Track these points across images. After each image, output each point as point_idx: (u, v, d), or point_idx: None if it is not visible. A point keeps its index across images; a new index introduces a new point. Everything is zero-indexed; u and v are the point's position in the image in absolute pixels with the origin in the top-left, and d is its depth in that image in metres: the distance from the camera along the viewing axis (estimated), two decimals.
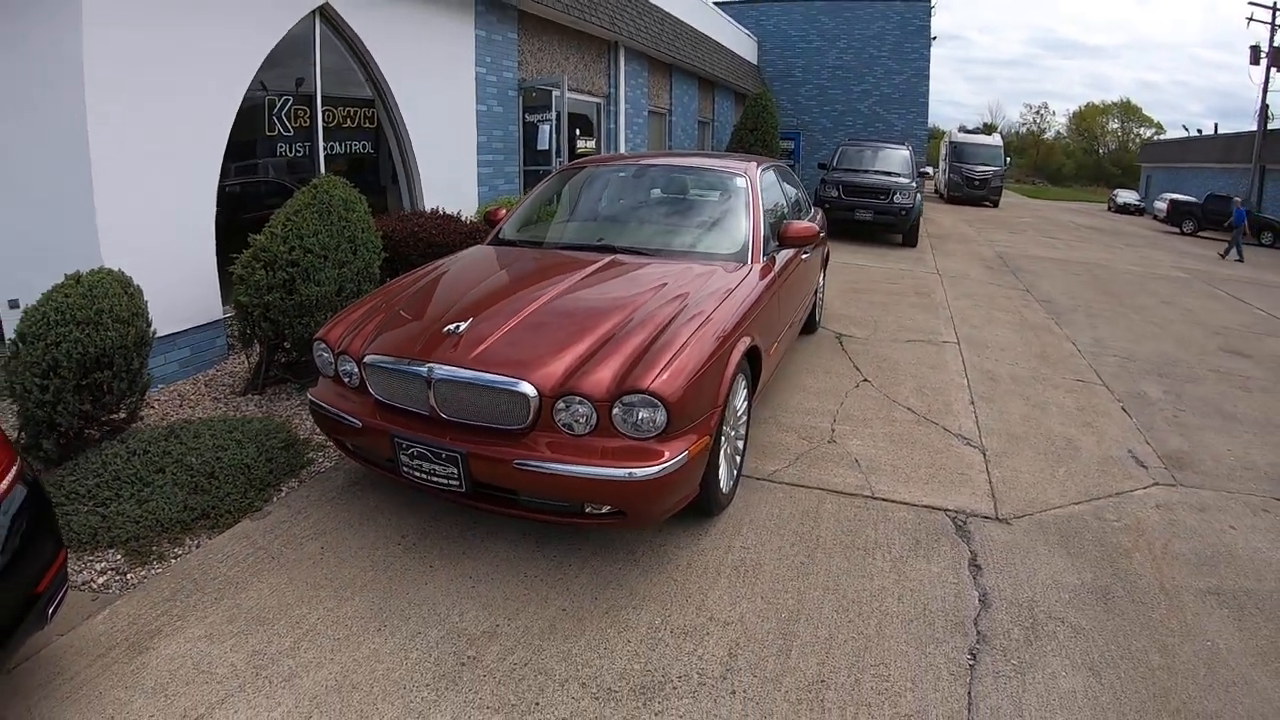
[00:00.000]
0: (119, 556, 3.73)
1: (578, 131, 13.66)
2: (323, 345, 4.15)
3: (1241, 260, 20.28)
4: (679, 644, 3.15)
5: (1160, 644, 3.25)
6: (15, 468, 2.96)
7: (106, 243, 5.63)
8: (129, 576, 3.64)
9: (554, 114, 11.80)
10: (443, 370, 3.54)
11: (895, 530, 4.10)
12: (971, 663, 3.08)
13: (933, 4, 28.43)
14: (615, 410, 3.33)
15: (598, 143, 15.13)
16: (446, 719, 2.76)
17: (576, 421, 3.36)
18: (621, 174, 6.21)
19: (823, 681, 2.95)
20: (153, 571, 3.70)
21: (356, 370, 3.92)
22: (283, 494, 4.43)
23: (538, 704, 2.82)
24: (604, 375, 3.38)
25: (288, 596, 3.49)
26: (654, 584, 3.55)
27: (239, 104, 6.76)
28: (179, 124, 6.18)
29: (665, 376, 3.34)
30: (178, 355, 6.21)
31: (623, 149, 15.36)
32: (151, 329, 5.06)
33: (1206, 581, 3.75)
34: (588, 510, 3.46)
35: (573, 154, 12.86)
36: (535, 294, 4.12)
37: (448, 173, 10.03)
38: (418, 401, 3.66)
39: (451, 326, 3.75)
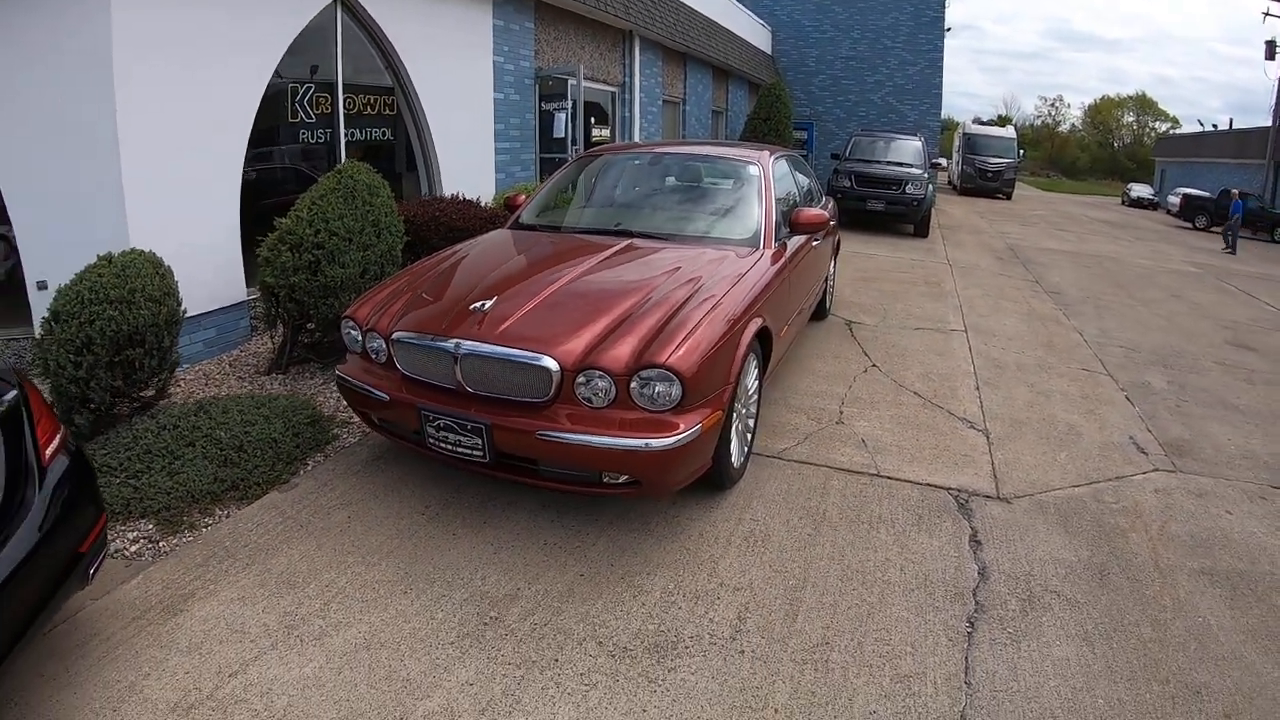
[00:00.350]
0: (151, 526, 3.87)
1: (593, 120, 13.75)
2: (351, 323, 4.30)
3: (1234, 252, 20.36)
4: (691, 607, 3.31)
5: (1153, 618, 3.38)
6: (60, 436, 3.12)
7: (135, 226, 5.76)
8: (161, 545, 3.79)
9: (570, 102, 11.91)
10: (469, 345, 3.68)
11: (899, 507, 4.24)
12: (969, 630, 3.22)
13: None
14: (633, 384, 3.48)
15: (612, 131, 15.21)
16: (470, 673, 2.91)
17: (596, 395, 3.51)
18: (638, 161, 6.34)
19: (827, 644, 3.10)
20: (184, 540, 3.85)
21: (384, 346, 4.07)
22: (309, 467, 4.58)
23: (557, 660, 2.98)
24: (622, 351, 3.53)
25: (317, 562, 3.64)
26: (668, 552, 3.71)
27: (263, 91, 6.90)
28: (205, 111, 6.31)
29: (681, 352, 3.49)
30: (203, 336, 6.37)
31: (637, 138, 15.44)
32: (182, 308, 5.20)
33: (1201, 562, 3.88)
34: (605, 480, 3.61)
35: (588, 142, 12.97)
36: (556, 275, 4.27)
37: (466, 159, 10.14)
38: (444, 376, 3.80)
39: (477, 304, 3.89)
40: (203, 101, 6.26)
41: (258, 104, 6.85)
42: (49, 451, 3.01)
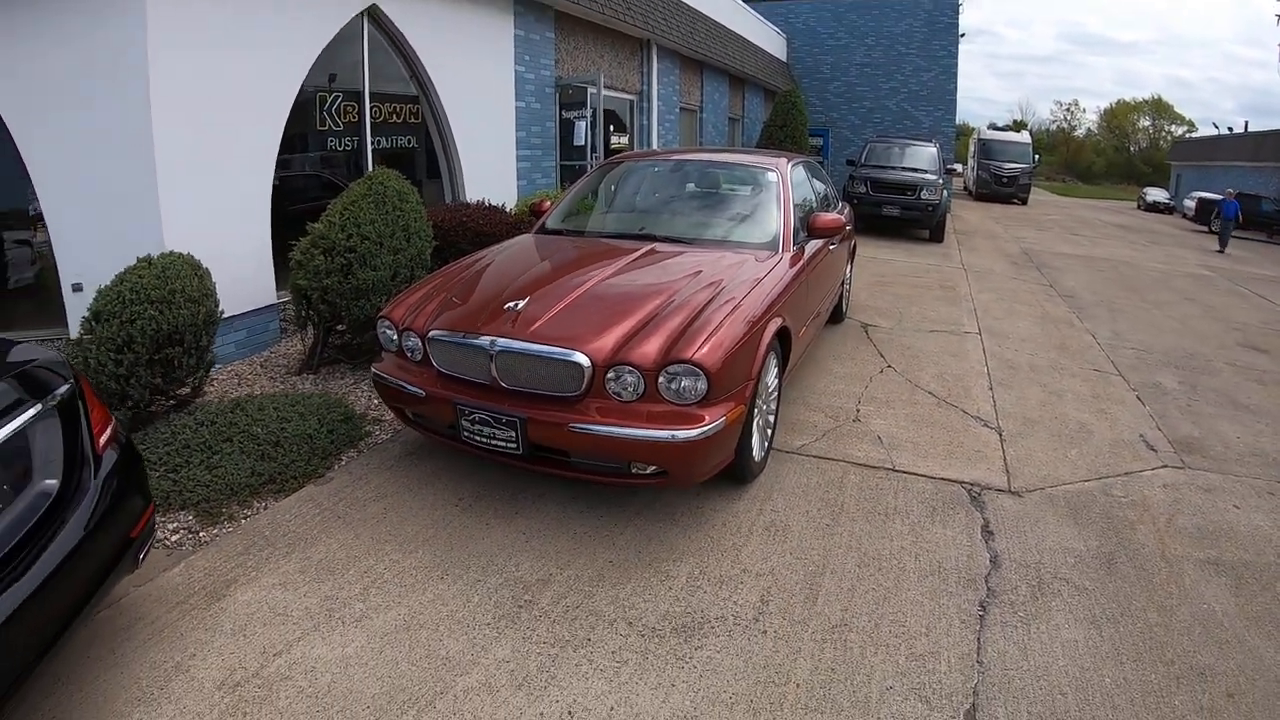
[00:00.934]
0: (190, 517, 4.02)
1: (611, 128, 13.93)
2: (387, 323, 4.46)
3: (1223, 252, 20.41)
4: (716, 591, 3.47)
5: (1159, 605, 3.51)
6: (111, 427, 3.27)
7: (170, 231, 5.93)
8: (201, 535, 3.94)
9: (590, 110, 12.09)
10: (503, 343, 3.85)
11: (914, 499, 4.39)
12: (981, 613, 3.37)
13: (961, 1, 28.48)
14: (661, 379, 3.64)
15: (631, 139, 15.38)
16: (507, 651, 3.06)
17: (625, 389, 3.68)
18: (659, 168, 6.51)
19: (845, 625, 3.26)
20: (224, 530, 4.00)
21: (420, 345, 4.24)
22: (343, 462, 4.74)
23: (589, 640, 3.14)
24: (650, 348, 3.70)
25: (355, 550, 3.79)
26: (692, 540, 3.87)
27: (293, 99, 7.09)
28: (238, 118, 6.51)
29: (706, 349, 3.66)
30: (234, 337, 6.54)
31: (655, 145, 15.59)
32: (219, 309, 5.37)
33: (1207, 553, 4.00)
34: (634, 470, 3.77)
35: (607, 150, 13.13)
36: (583, 277, 4.43)
37: (488, 167, 10.32)
38: (479, 372, 3.97)
39: (511, 304, 4.06)
40: (236, 109, 6.46)
41: (288, 112, 7.04)
42: (102, 440, 3.15)
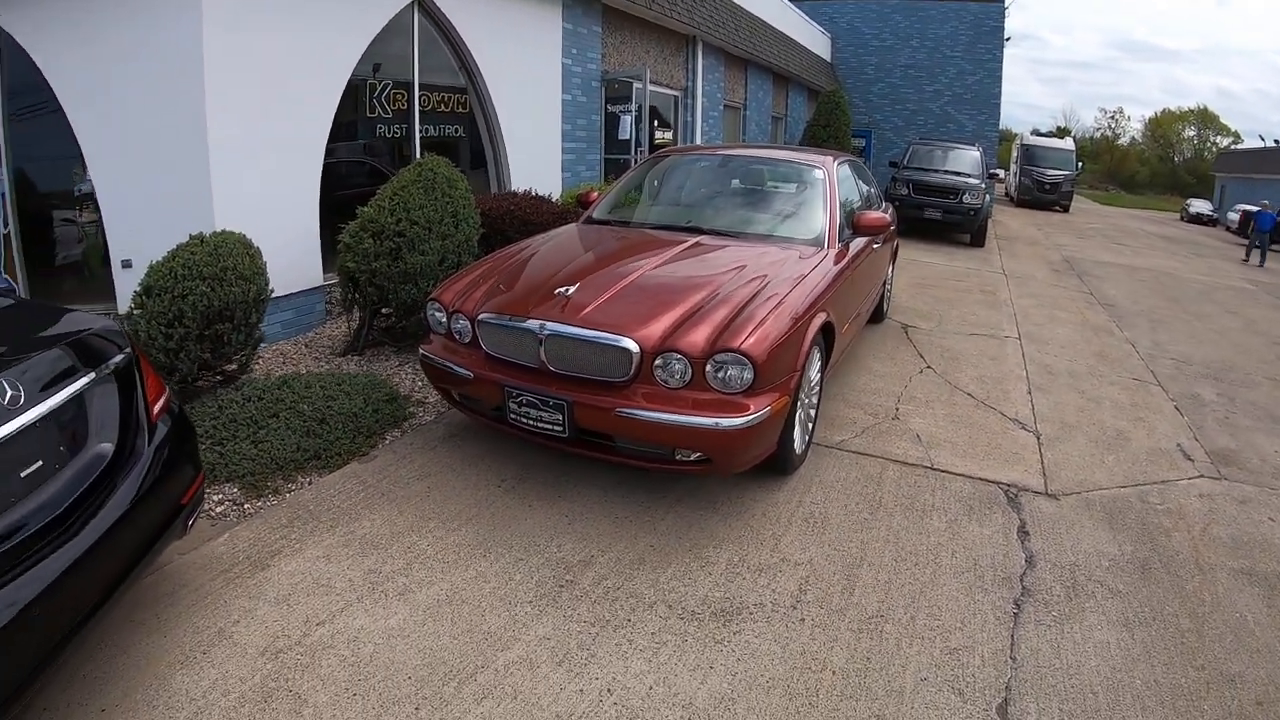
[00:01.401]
0: (235, 490, 4.11)
1: (655, 123, 13.96)
2: (437, 305, 4.54)
3: (1248, 261, 20.22)
4: (754, 578, 3.52)
5: (1191, 611, 3.52)
6: (165, 396, 3.32)
7: (220, 212, 6.05)
8: (245, 507, 4.02)
9: (635, 105, 12.13)
10: (553, 327, 3.92)
11: (951, 497, 4.42)
12: (1015, 611, 3.40)
13: (1007, 5, 28.23)
14: (708, 367, 3.70)
15: (675, 135, 15.41)
16: (548, 629, 3.13)
17: (672, 376, 3.73)
18: (706, 163, 6.55)
19: (882, 616, 3.30)
20: (268, 503, 4.08)
21: (469, 327, 4.32)
22: (387, 441, 4.83)
23: (629, 621, 3.20)
24: (698, 336, 3.76)
25: (398, 526, 3.88)
26: (732, 528, 3.93)
27: (344, 86, 7.21)
28: (290, 104, 6.62)
29: (753, 339, 3.71)
30: (280, 317, 6.66)
31: (699, 141, 15.60)
32: (269, 288, 5.47)
33: (1240, 563, 3.99)
34: (678, 457, 3.83)
35: (651, 145, 13.19)
36: (631, 267, 4.50)
37: (533, 158, 10.39)
38: (527, 355, 4.04)
39: (561, 289, 4.14)
40: (288, 96, 6.58)
41: (339, 98, 7.15)
42: (156, 409, 3.20)
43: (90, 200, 6.98)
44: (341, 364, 6.11)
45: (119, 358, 3.11)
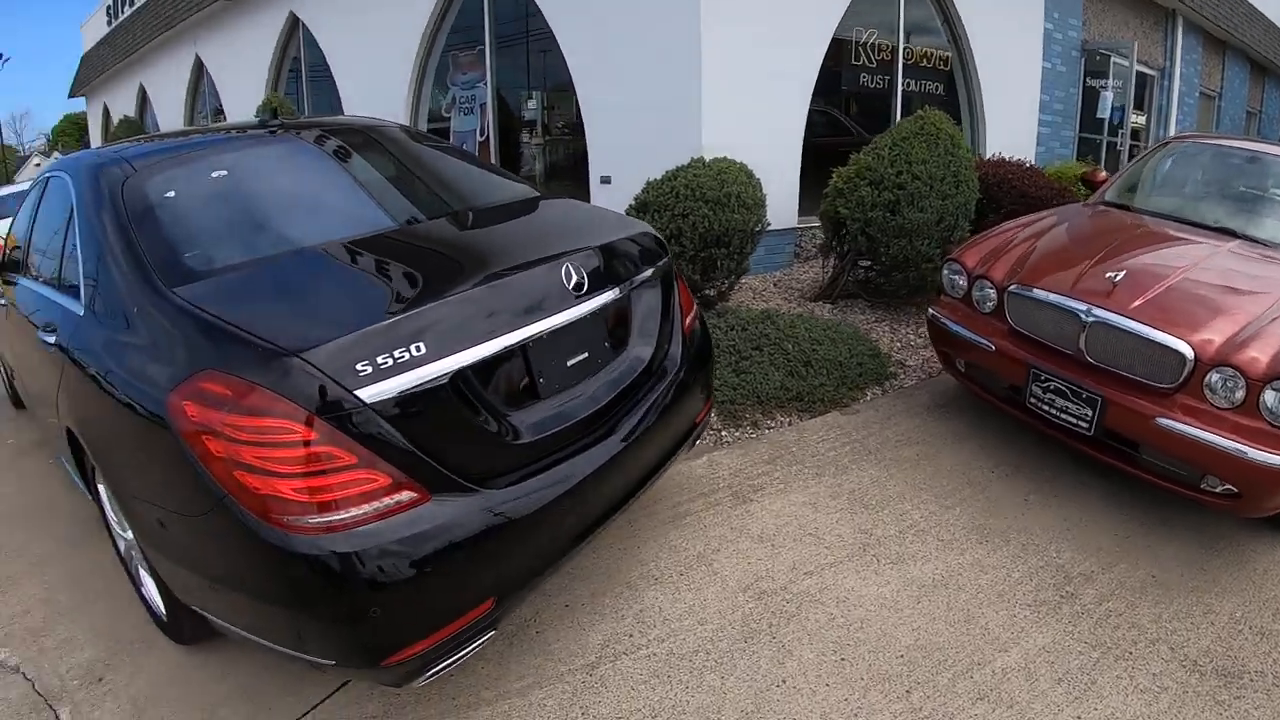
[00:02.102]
0: (713, 416, 4.34)
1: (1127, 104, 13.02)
2: (957, 267, 4.53)
3: None
4: (1256, 642, 3.26)
5: None
6: (694, 311, 3.50)
7: (707, 144, 6.45)
8: (723, 434, 4.33)
9: (1118, 81, 11.33)
10: (1101, 314, 3.78)
11: None
12: None
13: None
14: (1268, 393, 3.37)
15: (1148, 119, 14.20)
16: (1047, 640, 3.10)
17: (1223, 393, 3.46)
18: (1232, 159, 5.87)
19: None
20: (747, 434, 4.35)
21: (994, 295, 4.28)
22: (867, 398, 5.00)
23: (1130, 654, 3.08)
24: (1261, 355, 3.43)
25: (889, 490, 4.03)
26: (1234, 578, 3.64)
27: (830, 36, 7.46)
28: (778, 48, 6.96)
29: None
30: (753, 254, 7.05)
31: (1172, 130, 14.25)
32: (767, 220, 5.75)
33: None
34: (1203, 485, 3.58)
35: (1122, 127, 12.37)
36: (1172, 262, 4.20)
37: (1010, 127, 10.09)
38: (1063, 339, 3.93)
39: (1111, 274, 3.96)
40: (777, 40, 6.93)
41: (825, 47, 7.47)
42: (687, 321, 3.40)
43: (535, 124, 8.31)
44: (814, 309, 6.29)
45: (663, 260, 3.31)
